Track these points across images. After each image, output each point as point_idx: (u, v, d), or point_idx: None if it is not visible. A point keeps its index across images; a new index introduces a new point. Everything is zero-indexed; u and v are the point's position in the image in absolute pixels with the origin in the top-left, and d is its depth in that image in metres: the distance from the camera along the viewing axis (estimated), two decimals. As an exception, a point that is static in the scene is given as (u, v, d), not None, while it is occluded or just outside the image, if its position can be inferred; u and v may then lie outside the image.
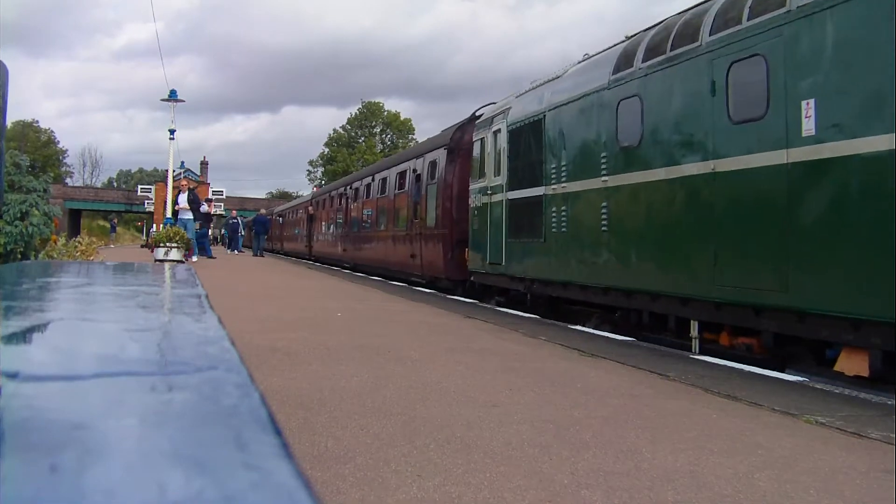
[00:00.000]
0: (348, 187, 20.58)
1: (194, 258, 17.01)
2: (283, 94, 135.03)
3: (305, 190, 59.01)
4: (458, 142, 11.75)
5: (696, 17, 5.98)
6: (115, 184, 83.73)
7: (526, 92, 9.39)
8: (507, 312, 8.78)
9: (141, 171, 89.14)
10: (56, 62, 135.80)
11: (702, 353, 5.80)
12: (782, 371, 5.06)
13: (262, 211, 36.51)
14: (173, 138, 20.75)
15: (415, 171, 13.72)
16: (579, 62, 8.40)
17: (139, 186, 48.83)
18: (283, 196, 71.87)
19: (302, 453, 2.68)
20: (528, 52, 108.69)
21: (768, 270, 4.96)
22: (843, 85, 4.43)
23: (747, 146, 5.17)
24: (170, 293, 1.85)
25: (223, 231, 37.19)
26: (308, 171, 71.95)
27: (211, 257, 20.44)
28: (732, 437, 3.17)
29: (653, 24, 6.90)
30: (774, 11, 4.96)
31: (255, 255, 26.65)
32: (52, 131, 77.96)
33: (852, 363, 4.48)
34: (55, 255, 10.34)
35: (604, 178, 7.01)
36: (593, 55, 8.12)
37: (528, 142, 8.74)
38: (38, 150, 62.35)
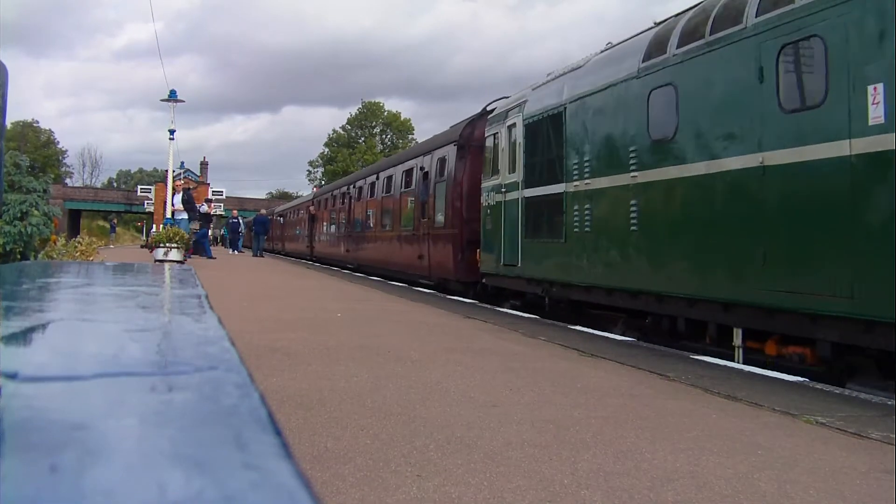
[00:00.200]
0: (352, 186, 20.03)
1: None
2: (284, 94, 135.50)
3: (305, 190, 59.15)
4: (469, 138, 11.25)
5: None
6: (114, 184, 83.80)
7: (544, 83, 8.86)
8: (506, 313, 8.77)
9: (141, 171, 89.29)
10: (56, 62, 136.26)
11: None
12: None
13: (262, 211, 36.54)
14: (173, 138, 20.73)
15: (422, 168, 13.29)
16: (602, 51, 7.87)
17: (139, 187, 48.97)
18: (283, 196, 71.97)
19: (302, 453, 2.68)
20: (528, 52, 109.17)
21: (828, 274, 4.53)
22: None
23: (801, 137, 4.74)
24: (170, 293, 1.85)
25: (223, 231, 37.18)
26: (308, 171, 72.22)
27: (211, 258, 20.40)
28: (732, 437, 3.17)
29: (685, 8, 6.43)
30: None
31: (255, 255, 26.63)
32: (51, 131, 78.18)
33: None
34: (55, 256, 10.36)
35: (633, 174, 6.56)
36: (617, 43, 7.61)
37: (547, 136, 8.24)
38: (37, 151, 62.42)
